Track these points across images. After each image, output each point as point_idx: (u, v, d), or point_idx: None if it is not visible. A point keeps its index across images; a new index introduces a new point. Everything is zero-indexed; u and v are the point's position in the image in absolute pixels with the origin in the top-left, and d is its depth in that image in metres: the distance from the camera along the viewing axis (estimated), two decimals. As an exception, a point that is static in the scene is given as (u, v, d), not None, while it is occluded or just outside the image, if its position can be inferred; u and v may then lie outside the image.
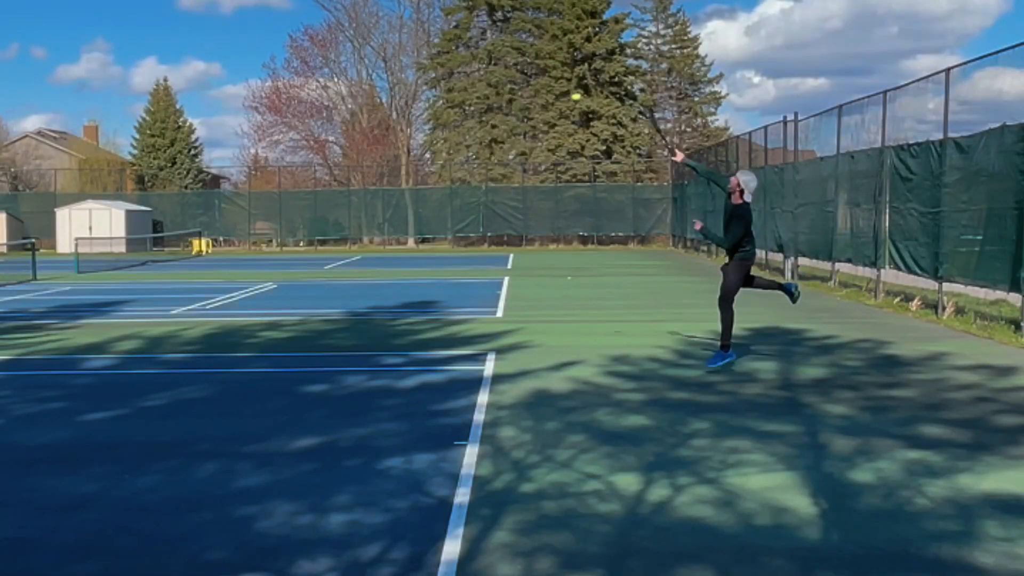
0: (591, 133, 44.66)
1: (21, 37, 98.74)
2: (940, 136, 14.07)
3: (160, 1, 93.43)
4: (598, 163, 44.25)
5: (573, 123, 44.95)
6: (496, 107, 46.53)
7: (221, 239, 43.74)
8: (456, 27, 48.24)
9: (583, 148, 44.37)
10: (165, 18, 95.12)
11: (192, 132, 52.18)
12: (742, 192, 9.48)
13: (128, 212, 40.64)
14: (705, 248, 31.82)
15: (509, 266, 27.96)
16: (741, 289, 9.95)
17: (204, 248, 38.79)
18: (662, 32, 49.59)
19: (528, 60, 47.33)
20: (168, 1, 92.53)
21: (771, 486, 5.60)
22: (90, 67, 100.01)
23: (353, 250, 40.29)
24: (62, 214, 40.26)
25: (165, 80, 54.44)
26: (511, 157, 46.78)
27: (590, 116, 45.12)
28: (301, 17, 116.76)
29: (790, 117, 21.67)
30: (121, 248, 38.67)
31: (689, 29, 49.85)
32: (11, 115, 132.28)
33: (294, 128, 51.88)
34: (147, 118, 50.97)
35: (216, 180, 55.47)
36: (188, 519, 5.18)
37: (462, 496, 5.45)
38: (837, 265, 18.84)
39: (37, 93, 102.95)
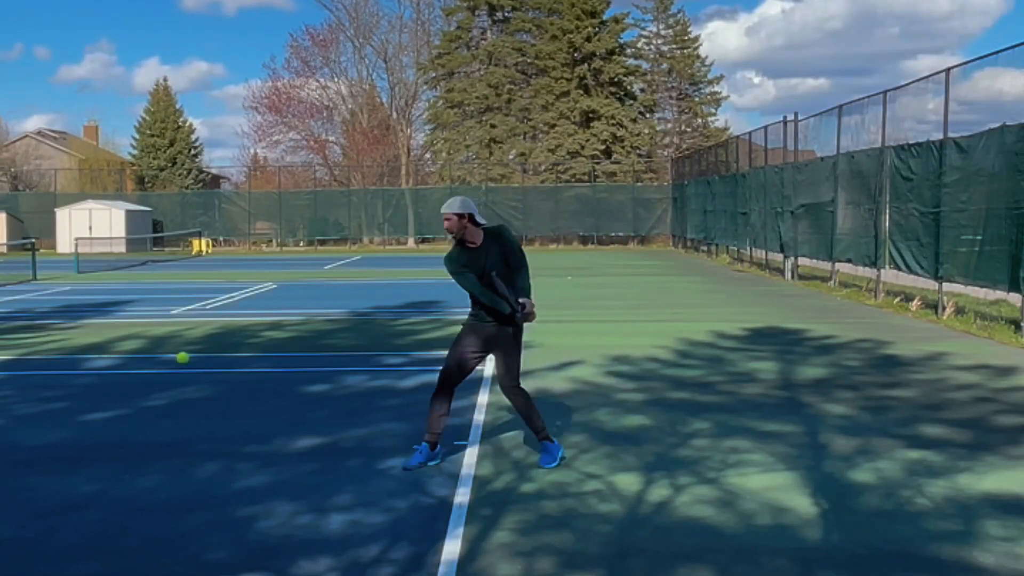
0: (591, 133, 44.68)
1: (25, 37, 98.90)
2: (940, 136, 14.08)
3: (163, 1, 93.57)
4: (598, 163, 44.25)
5: (573, 123, 44.96)
6: (496, 107, 46.55)
7: (221, 239, 43.74)
8: (456, 27, 48.29)
9: (583, 148, 44.39)
10: (168, 18, 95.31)
11: (192, 132, 52.23)
12: (471, 217, 6.17)
13: (128, 212, 40.63)
14: (705, 248, 31.82)
15: (509, 266, 27.92)
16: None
17: (204, 248, 38.79)
18: (662, 32, 49.60)
19: (528, 60, 47.36)
20: (171, 1, 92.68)
21: (771, 486, 5.61)
22: (93, 67, 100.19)
23: (353, 250, 40.29)
24: (62, 214, 40.26)
25: (165, 80, 54.57)
26: (511, 157, 46.81)
27: (590, 116, 45.13)
28: (304, 17, 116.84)
29: (790, 117, 21.70)
30: (121, 248, 38.67)
31: (689, 29, 49.90)
32: (13, 115, 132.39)
33: (294, 128, 51.91)
34: (147, 118, 51.00)
35: (216, 180, 55.47)
36: (189, 519, 5.18)
37: (462, 496, 5.45)
38: (837, 265, 18.85)
39: (39, 93, 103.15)
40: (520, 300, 6.18)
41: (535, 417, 6.20)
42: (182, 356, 9.71)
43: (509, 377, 6.21)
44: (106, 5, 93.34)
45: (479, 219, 6.25)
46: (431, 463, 6.13)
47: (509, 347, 6.24)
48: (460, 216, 6.12)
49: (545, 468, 6.02)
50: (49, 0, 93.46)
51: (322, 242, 42.93)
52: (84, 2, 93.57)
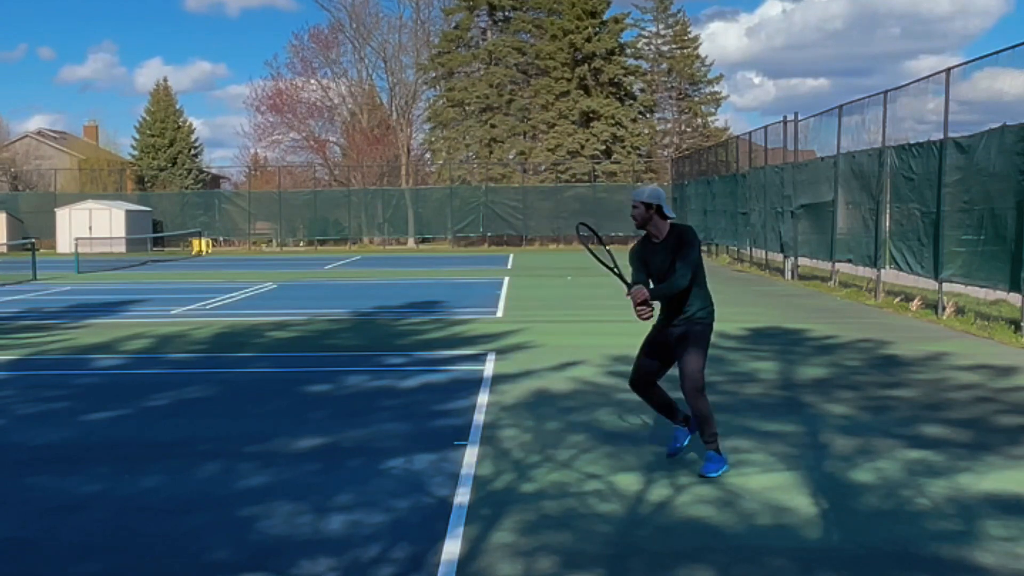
0: (590, 133, 44.68)
1: (28, 38, 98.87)
2: (940, 136, 14.08)
3: (166, 2, 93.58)
4: (598, 163, 44.27)
5: (573, 123, 44.97)
6: (496, 107, 46.55)
7: (221, 239, 43.73)
8: (456, 27, 48.29)
9: (583, 148, 44.40)
10: (170, 19, 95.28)
11: (192, 132, 52.24)
12: (659, 209, 5.98)
13: (128, 212, 40.63)
14: (705, 248, 31.82)
15: (509, 266, 27.97)
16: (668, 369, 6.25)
17: (204, 248, 38.79)
18: (662, 32, 49.60)
19: (528, 60, 47.36)
20: (173, 2, 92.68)
21: (772, 486, 5.61)
22: (96, 67, 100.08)
23: (353, 250, 40.29)
24: (62, 214, 40.26)
25: (165, 80, 54.56)
26: (511, 157, 46.81)
27: (590, 116, 45.13)
28: (306, 18, 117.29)
29: (790, 117, 21.70)
30: (121, 248, 38.66)
31: (689, 29, 49.89)
32: (15, 115, 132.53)
33: (295, 128, 51.90)
34: (147, 118, 51.00)
35: (216, 180, 55.47)
36: (190, 519, 5.18)
37: (462, 496, 5.45)
38: (837, 265, 18.85)
39: (42, 94, 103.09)
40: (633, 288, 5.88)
41: (706, 424, 5.90)
42: None
43: (683, 379, 5.89)
44: (109, 6, 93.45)
45: (668, 212, 5.99)
46: (687, 441, 6.17)
47: (681, 348, 5.93)
48: (648, 206, 5.94)
49: (704, 475, 5.79)
50: (53, 1, 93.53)
51: (322, 242, 42.93)
52: (87, 3, 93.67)
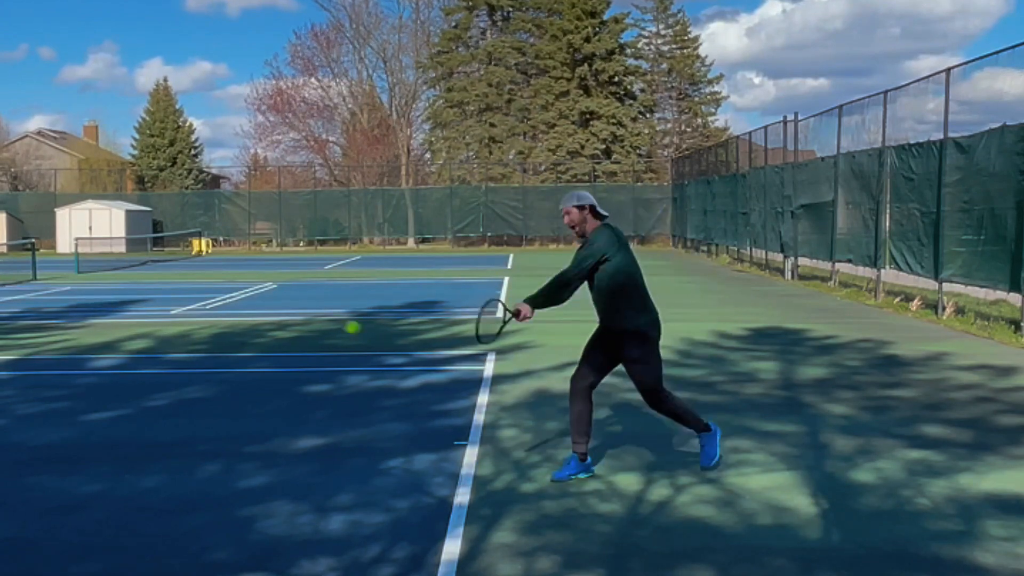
0: (590, 133, 44.67)
1: (29, 38, 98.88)
2: (940, 136, 14.09)
3: (166, 2, 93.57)
4: (598, 163, 44.26)
5: (572, 123, 44.96)
6: (496, 107, 46.55)
7: (221, 239, 43.72)
8: (456, 27, 48.29)
9: (582, 148, 44.39)
10: (171, 19, 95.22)
11: (192, 132, 52.23)
12: (593, 208, 5.81)
13: (128, 212, 40.62)
14: (705, 248, 31.82)
15: (509, 266, 27.96)
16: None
17: (204, 248, 38.79)
18: (662, 32, 49.59)
19: (528, 60, 47.36)
20: (174, 2, 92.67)
21: (772, 486, 5.61)
22: (96, 67, 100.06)
23: (353, 250, 40.29)
24: (62, 214, 40.25)
25: (165, 80, 54.50)
26: (511, 157, 46.82)
27: (590, 116, 45.13)
28: (306, 18, 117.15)
29: (790, 117, 21.70)
30: (121, 248, 38.66)
31: (689, 29, 49.86)
32: (16, 115, 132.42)
33: (295, 128, 51.91)
34: (147, 118, 51.00)
35: (216, 180, 55.45)
36: (190, 519, 5.18)
37: (462, 496, 5.46)
38: (837, 265, 18.85)
39: (42, 94, 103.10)
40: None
41: (684, 419, 5.89)
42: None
43: (640, 391, 5.82)
44: (109, 6, 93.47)
45: (601, 211, 5.79)
46: (582, 475, 5.75)
47: (630, 366, 5.77)
48: (581, 208, 5.73)
49: (707, 465, 5.83)
50: (53, 1, 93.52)
51: (322, 242, 42.93)
52: (88, 3, 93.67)
